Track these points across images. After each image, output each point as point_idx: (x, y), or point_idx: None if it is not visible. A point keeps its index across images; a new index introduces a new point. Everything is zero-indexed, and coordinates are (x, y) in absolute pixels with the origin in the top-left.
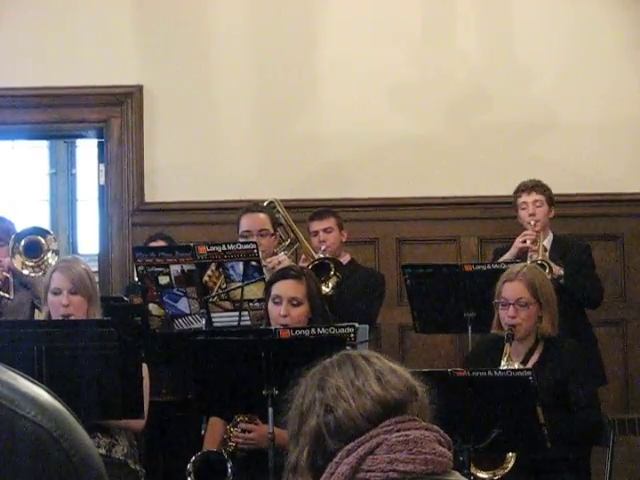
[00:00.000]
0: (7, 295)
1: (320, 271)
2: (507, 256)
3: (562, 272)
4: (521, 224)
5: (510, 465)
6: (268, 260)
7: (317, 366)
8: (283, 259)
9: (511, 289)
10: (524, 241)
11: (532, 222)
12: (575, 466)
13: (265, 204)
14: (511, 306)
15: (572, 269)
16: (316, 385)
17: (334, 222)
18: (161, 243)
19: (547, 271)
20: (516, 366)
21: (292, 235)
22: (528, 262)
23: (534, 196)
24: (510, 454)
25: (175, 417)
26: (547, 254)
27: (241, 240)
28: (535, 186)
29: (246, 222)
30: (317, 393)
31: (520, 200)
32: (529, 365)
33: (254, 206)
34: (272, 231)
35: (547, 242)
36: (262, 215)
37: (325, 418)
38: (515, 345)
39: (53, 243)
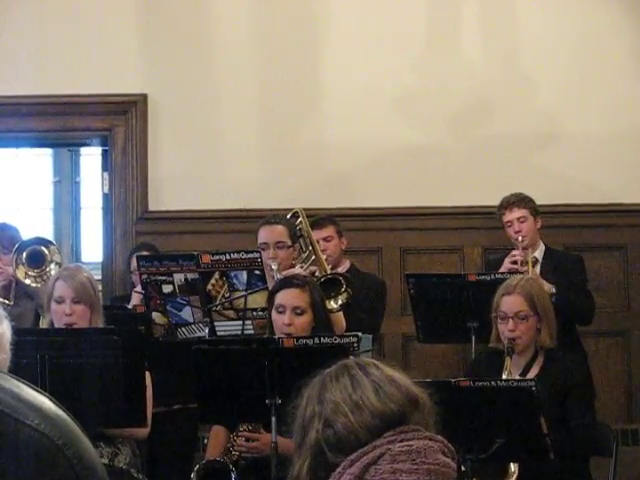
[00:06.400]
0: (7, 301)
1: (331, 286)
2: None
3: (554, 290)
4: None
5: (515, 476)
6: (284, 273)
7: (317, 377)
8: (299, 272)
9: (510, 302)
10: (514, 262)
11: (519, 239)
12: (576, 476)
13: (290, 215)
14: (510, 319)
15: (564, 285)
16: (315, 398)
17: (333, 230)
18: (145, 254)
19: None
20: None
21: (311, 247)
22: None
23: (516, 213)
24: (512, 465)
25: (172, 425)
26: (539, 266)
27: (247, 249)
28: (516, 201)
29: (263, 234)
30: (316, 407)
31: (504, 219)
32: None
33: (273, 217)
34: (290, 243)
35: (539, 253)
36: (280, 227)
37: (324, 433)
38: (514, 358)
39: (56, 254)
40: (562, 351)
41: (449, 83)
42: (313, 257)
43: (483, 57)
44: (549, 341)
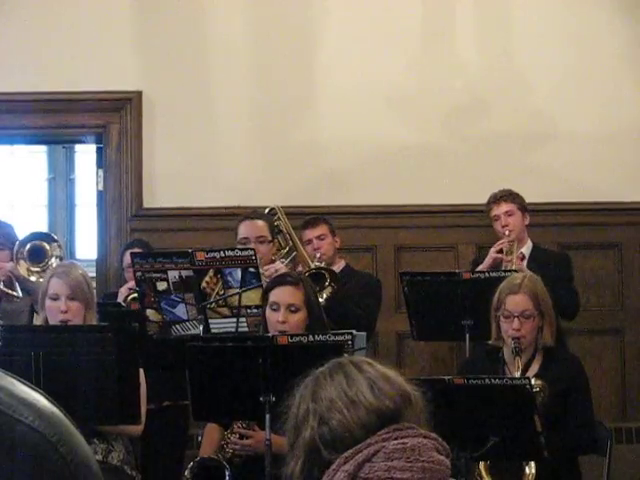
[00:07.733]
0: (15, 293)
1: (315, 281)
2: (482, 267)
3: None
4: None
5: (532, 476)
6: (265, 268)
7: (310, 375)
8: (280, 267)
9: (516, 302)
10: (499, 251)
11: (506, 232)
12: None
13: (267, 211)
14: (516, 319)
15: (549, 281)
16: (309, 396)
17: (326, 229)
18: (138, 250)
19: None
20: None
21: (291, 243)
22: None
23: (504, 207)
24: (527, 468)
25: (162, 422)
26: (525, 262)
27: (239, 247)
28: (504, 196)
29: (244, 229)
30: (310, 404)
31: (492, 213)
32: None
33: (253, 213)
34: (270, 238)
35: (526, 250)
36: (260, 222)
37: (319, 430)
38: (514, 356)
39: (57, 249)
40: (561, 349)
41: (444, 82)
42: (294, 253)
43: (478, 56)
44: (550, 339)
